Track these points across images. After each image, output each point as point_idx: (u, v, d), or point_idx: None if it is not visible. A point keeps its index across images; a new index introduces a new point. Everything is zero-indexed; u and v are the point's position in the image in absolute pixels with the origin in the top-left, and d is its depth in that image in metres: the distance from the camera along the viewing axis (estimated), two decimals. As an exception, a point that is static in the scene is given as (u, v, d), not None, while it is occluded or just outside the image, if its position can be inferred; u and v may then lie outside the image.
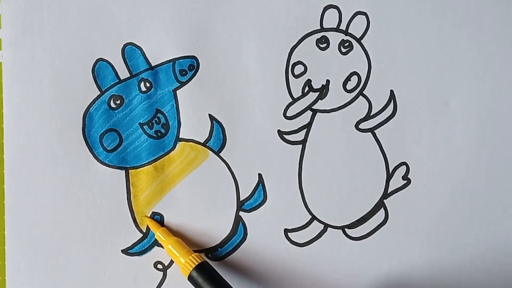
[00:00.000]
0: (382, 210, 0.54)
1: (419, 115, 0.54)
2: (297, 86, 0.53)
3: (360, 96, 0.54)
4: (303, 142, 0.54)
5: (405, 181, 0.54)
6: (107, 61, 0.52)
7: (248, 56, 0.53)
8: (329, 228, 0.54)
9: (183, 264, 0.50)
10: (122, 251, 0.52)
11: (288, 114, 0.53)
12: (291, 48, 0.53)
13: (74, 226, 0.52)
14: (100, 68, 0.52)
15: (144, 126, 0.53)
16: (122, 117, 0.53)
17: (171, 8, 0.52)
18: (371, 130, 0.54)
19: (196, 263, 0.50)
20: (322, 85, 0.54)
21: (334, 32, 0.54)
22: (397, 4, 0.54)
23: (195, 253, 0.51)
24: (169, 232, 0.52)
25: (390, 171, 0.54)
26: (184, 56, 0.53)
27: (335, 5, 0.53)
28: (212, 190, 0.53)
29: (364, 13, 0.54)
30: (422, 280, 0.54)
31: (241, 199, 0.53)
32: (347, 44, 0.54)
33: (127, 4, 0.52)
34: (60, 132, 0.52)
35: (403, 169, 0.54)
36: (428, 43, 0.54)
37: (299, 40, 0.53)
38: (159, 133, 0.53)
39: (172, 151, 0.53)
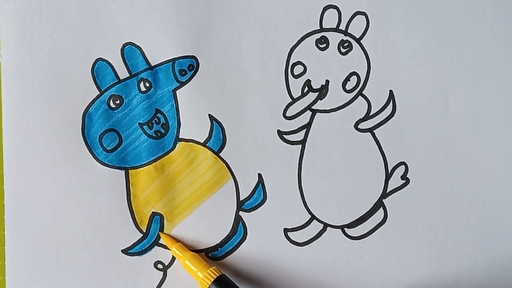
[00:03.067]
0: (381, 210, 0.54)
1: (418, 115, 0.54)
2: (296, 86, 0.53)
3: (360, 96, 0.54)
4: (303, 142, 0.54)
5: (404, 181, 0.54)
6: (107, 61, 0.52)
7: (248, 56, 0.53)
8: (328, 228, 0.54)
9: (201, 279, 0.50)
10: (122, 251, 0.53)
11: (287, 114, 0.53)
12: (291, 48, 0.53)
13: (74, 226, 0.52)
14: (99, 68, 0.52)
15: (143, 126, 0.53)
16: (122, 117, 0.53)
17: (171, 8, 0.52)
18: (370, 130, 0.54)
19: (215, 277, 0.50)
20: (322, 85, 0.54)
21: (334, 32, 0.54)
22: (397, 4, 0.54)
23: (213, 267, 0.51)
24: (185, 247, 0.52)
25: (389, 171, 0.54)
26: (183, 56, 0.53)
27: (335, 5, 0.53)
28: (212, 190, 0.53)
29: (364, 13, 0.54)
30: (421, 279, 0.54)
31: (241, 199, 0.53)
32: (347, 44, 0.54)
33: (127, 4, 0.52)
34: (60, 132, 0.52)
35: (402, 168, 0.54)
36: (427, 43, 0.54)
37: (298, 40, 0.53)
38: (159, 133, 0.53)
39: (172, 151, 0.53)
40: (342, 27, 0.54)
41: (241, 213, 0.53)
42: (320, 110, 0.54)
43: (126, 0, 0.52)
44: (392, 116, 0.54)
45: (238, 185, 0.53)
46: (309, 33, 0.53)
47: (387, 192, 0.54)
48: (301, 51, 0.53)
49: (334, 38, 0.54)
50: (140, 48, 0.53)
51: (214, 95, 0.53)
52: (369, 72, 0.54)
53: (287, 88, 0.53)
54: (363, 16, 0.54)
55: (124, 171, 0.53)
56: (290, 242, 0.54)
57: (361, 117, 0.54)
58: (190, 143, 0.53)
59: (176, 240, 0.53)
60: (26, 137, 0.52)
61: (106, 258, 0.52)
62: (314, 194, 0.54)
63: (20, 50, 0.52)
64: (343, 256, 0.54)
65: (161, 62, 0.53)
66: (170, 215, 0.53)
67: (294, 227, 0.54)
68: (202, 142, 0.53)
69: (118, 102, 0.53)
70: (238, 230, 0.53)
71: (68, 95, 0.52)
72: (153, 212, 0.53)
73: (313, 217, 0.54)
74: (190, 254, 0.52)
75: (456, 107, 0.54)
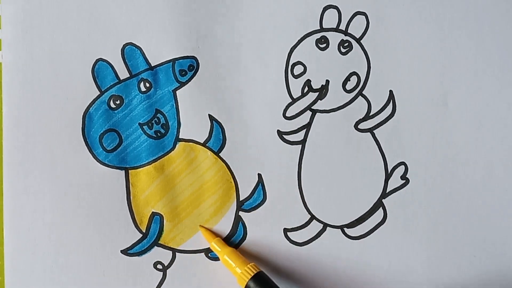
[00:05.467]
0: (380, 210, 0.54)
1: (418, 115, 0.54)
2: (296, 86, 0.54)
3: (360, 96, 0.54)
4: (303, 142, 0.54)
5: (404, 181, 0.54)
6: (107, 61, 0.52)
7: (248, 56, 0.53)
8: (328, 228, 0.54)
9: (239, 274, 0.50)
10: (122, 251, 0.52)
11: (287, 114, 0.54)
12: (291, 48, 0.53)
13: (74, 226, 0.52)
14: (99, 68, 0.52)
15: (143, 126, 0.53)
16: (122, 117, 0.53)
17: (171, 8, 0.53)
18: (370, 130, 0.54)
19: (253, 273, 0.49)
20: (322, 85, 0.54)
21: (334, 32, 0.54)
22: (397, 4, 0.54)
23: (251, 263, 0.50)
24: (224, 242, 0.52)
25: (389, 171, 0.54)
26: (184, 56, 0.53)
27: (335, 5, 0.54)
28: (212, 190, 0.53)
29: (364, 13, 0.54)
30: (420, 280, 0.54)
31: (240, 199, 0.53)
32: (347, 44, 0.54)
33: (127, 4, 0.52)
34: (60, 132, 0.52)
35: (401, 168, 0.54)
36: (427, 43, 0.54)
37: (298, 40, 0.53)
38: (158, 133, 0.53)
39: (172, 152, 0.53)
40: (342, 27, 0.54)
41: (241, 213, 0.53)
42: (320, 110, 0.54)
43: (126, 1, 0.52)
44: (392, 116, 0.54)
45: (238, 185, 0.53)
46: (309, 33, 0.53)
47: (387, 192, 0.54)
48: (301, 51, 0.53)
49: (334, 38, 0.54)
50: (140, 48, 0.53)
51: (214, 95, 0.53)
52: (369, 72, 0.54)
53: (287, 88, 0.53)
54: (363, 16, 0.54)
55: (124, 171, 0.53)
56: (290, 242, 0.54)
57: (361, 117, 0.54)
58: (190, 143, 0.53)
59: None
60: (26, 137, 0.52)
61: (106, 259, 0.52)
62: (314, 194, 0.54)
63: (20, 50, 0.52)
64: (343, 256, 0.54)
65: (161, 63, 0.53)
66: (170, 215, 0.53)
67: (294, 227, 0.54)
68: (202, 142, 0.53)
69: (118, 102, 0.53)
70: (238, 230, 0.53)
71: (68, 95, 0.52)
72: (153, 212, 0.53)
73: (312, 217, 0.54)
74: (229, 250, 0.51)
75: (456, 107, 0.54)
